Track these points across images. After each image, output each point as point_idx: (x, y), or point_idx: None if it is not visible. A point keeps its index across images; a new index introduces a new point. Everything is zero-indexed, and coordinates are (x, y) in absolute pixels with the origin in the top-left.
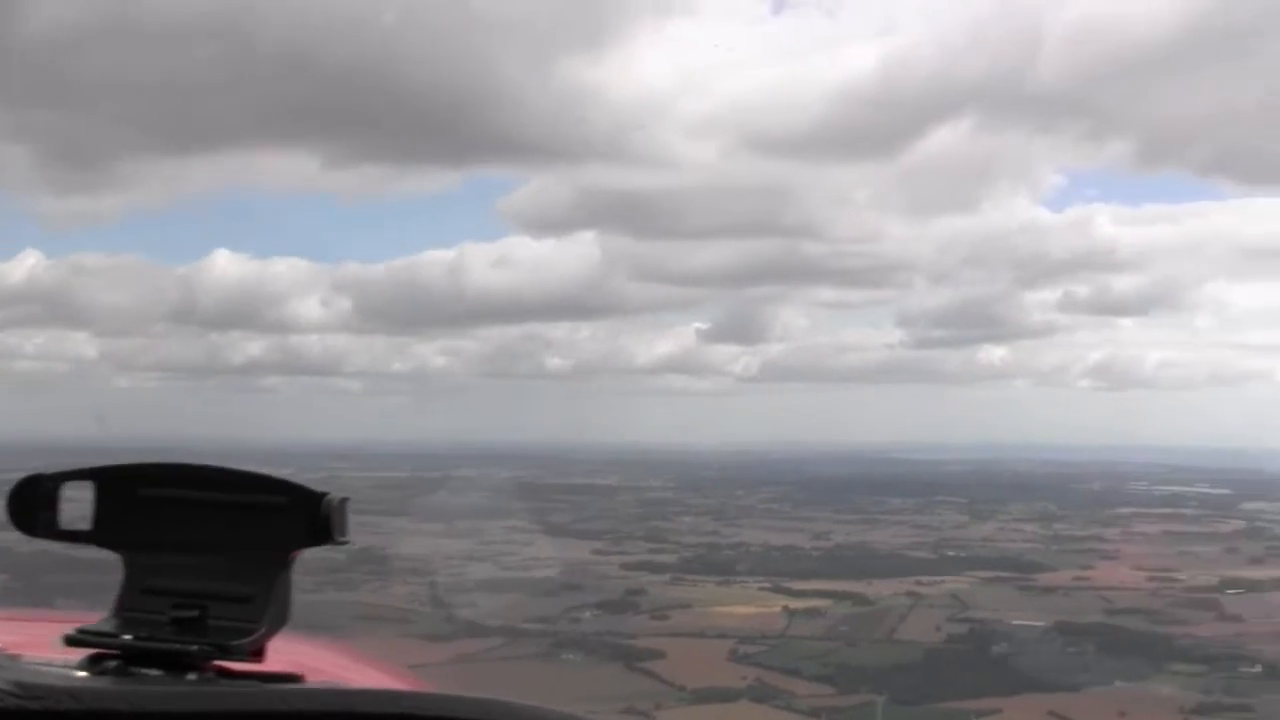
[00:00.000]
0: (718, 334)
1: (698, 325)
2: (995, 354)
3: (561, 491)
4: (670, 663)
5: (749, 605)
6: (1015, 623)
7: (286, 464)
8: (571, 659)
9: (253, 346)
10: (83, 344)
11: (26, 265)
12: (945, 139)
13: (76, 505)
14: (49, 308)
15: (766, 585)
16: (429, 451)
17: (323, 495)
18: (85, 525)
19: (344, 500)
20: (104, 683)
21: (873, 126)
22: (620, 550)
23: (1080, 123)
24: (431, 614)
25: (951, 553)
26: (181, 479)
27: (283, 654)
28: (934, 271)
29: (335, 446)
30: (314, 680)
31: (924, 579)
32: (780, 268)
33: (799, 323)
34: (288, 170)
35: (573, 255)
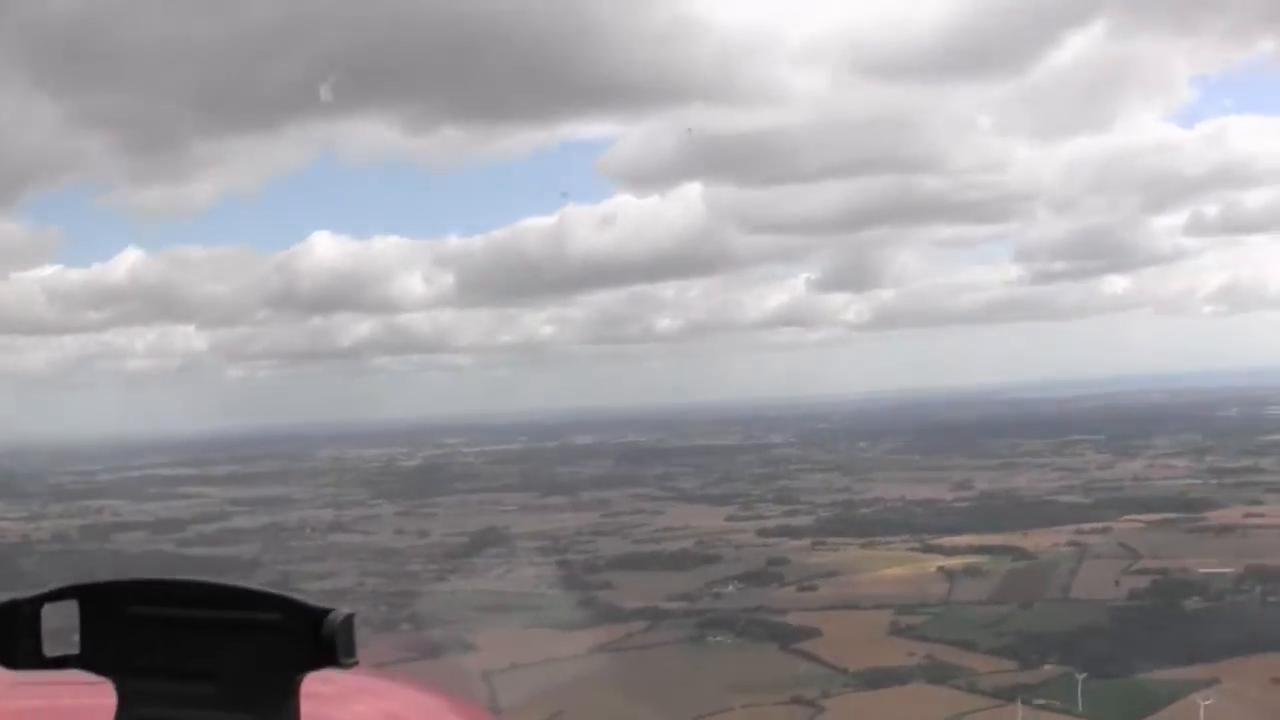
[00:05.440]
0: (829, 282)
1: (808, 275)
2: (1118, 284)
3: (684, 454)
4: (828, 641)
5: (899, 567)
6: (1202, 571)
7: (399, 443)
8: (721, 641)
9: (359, 327)
10: (191, 337)
11: (128, 263)
12: (1075, 48)
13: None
14: (154, 304)
15: (914, 544)
16: (543, 422)
17: (325, 612)
18: (72, 649)
19: (349, 617)
20: None
21: (997, 37)
22: (754, 515)
23: (1224, 19)
24: (564, 598)
25: (1104, 495)
26: (171, 596)
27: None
28: (1057, 200)
29: (448, 422)
30: None
31: (1083, 526)
32: (895, 207)
33: (913, 265)
34: (368, 139)
35: (678, 211)
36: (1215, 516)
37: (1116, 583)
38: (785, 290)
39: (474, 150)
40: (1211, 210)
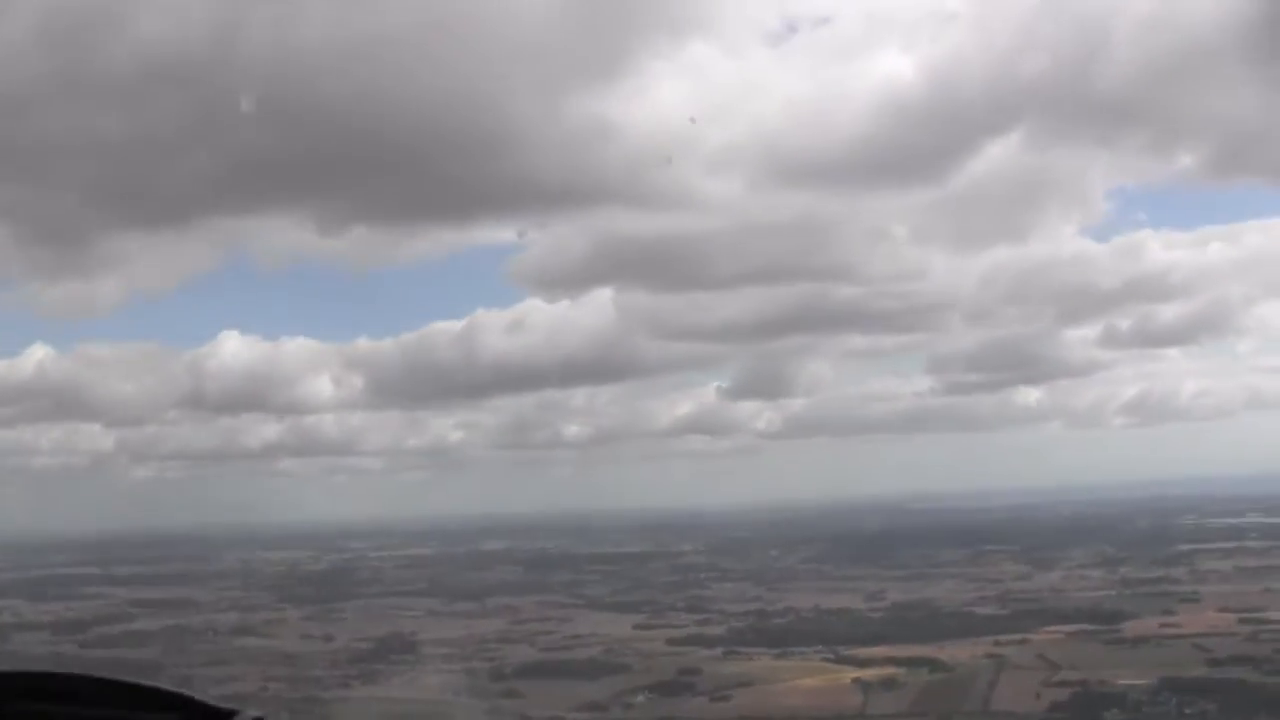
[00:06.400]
0: (740, 390)
1: (719, 383)
2: (1030, 396)
3: (592, 561)
4: None
5: (813, 678)
6: (1120, 683)
7: (306, 546)
8: None
9: (267, 429)
10: (98, 436)
11: (35, 359)
12: (993, 158)
13: None
14: (60, 402)
15: (828, 655)
16: (452, 527)
17: (231, 714)
18: None
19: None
20: None
21: (914, 145)
22: (664, 623)
23: (1143, 132)
24: (470, 707)
25: (1022, 606)
26: (57, 691)
27: None
28: (971, 311)
29: (356, 526)
30: None
31: (1001, 638)
32: (808, 316)
33: (826, 374)
34: (279, 238)
35: (589, 316)
36: (1130, 628)
37: (1037, 695)
38: (696, 398)
39: (385, 252)
40: (1125, 323)
